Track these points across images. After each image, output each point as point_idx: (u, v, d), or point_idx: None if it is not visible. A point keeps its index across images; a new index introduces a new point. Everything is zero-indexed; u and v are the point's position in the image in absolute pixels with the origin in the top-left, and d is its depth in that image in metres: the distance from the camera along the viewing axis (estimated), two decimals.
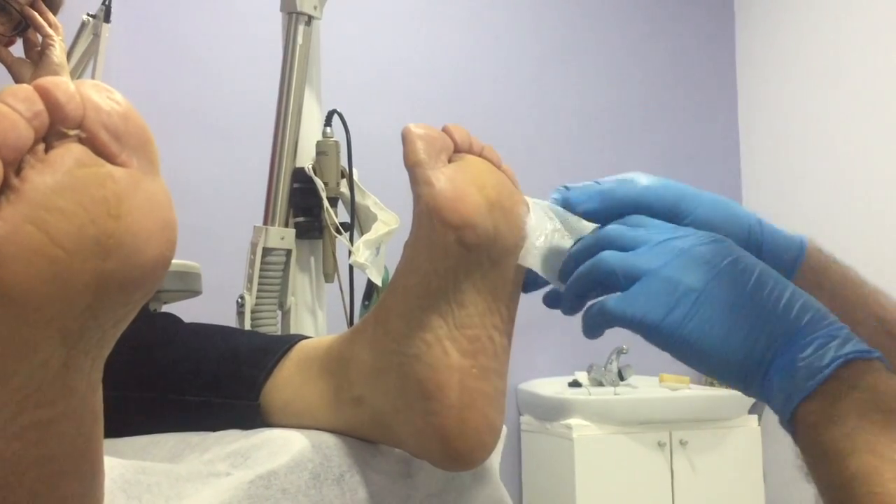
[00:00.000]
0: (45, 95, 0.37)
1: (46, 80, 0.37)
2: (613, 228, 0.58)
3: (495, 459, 0.81)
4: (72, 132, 0.38)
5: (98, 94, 0.40)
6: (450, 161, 0.62)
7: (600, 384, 2.85)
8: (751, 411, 2.70)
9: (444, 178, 0.59)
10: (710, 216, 0.63)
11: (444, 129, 0.63)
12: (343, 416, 0.66)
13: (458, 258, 0.60)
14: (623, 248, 0.56)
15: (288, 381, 0.69)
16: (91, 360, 0.41)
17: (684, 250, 0.53)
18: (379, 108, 2.64)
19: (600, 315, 0.55)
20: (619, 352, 2.79)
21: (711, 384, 3.06)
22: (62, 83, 0.38)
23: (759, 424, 2.71)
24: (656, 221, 0.58)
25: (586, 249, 0.59)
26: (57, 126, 0.38)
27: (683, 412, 2.59)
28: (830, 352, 0.47)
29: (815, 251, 0.66)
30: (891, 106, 2.69)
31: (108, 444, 0.74)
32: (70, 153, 0.38)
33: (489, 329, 0.62)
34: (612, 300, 0.54)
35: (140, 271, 0.40)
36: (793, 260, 0.64)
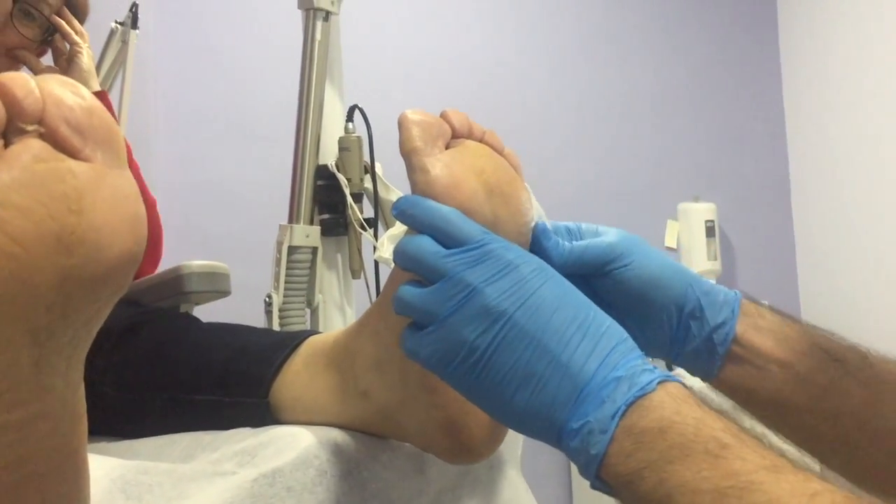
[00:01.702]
0: (2, 91, 0.37)
1: (4, 76, 0.37)
2: (425, 244, 0.53)
3: (514, 452, 0.79)
4: (30, 127, 0.37)
5: (61, 89, 0.39)
6: (448, 147, 0.61)
7: None
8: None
9: (440, 165, 0.57)
10: (650, 266, 0.63)
11: (442, 115, 0.62)
12: (351, 411, 0.65)
13: None
14: (430, 271, 0.52)
15: (296, 377, 0.69)
16: (66, 359, 0.41)
17: (477, 291, 0.49)
18: (401, 101, 2.60)
19: (402, 345, 0.53)
20: None
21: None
22: (20, 78, 0.37)
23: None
24: (468, 229, 0.53)
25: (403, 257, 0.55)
26: (15, 122, 0.37)
27: None
28: (613, 403, 0.45)
29: (747, 299, 0.65)
30: None
31: (125, 445, 0.74)
32: (28, 149, 0.37)
33: None
34: (407, 339, 0.52)
35: (106, 267, 0.39)
36: (730, 308, 0.63)
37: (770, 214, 3.25)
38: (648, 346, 0.64)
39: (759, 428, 0.54)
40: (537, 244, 0.62)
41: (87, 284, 0.39)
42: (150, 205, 1.33)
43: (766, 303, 0.67)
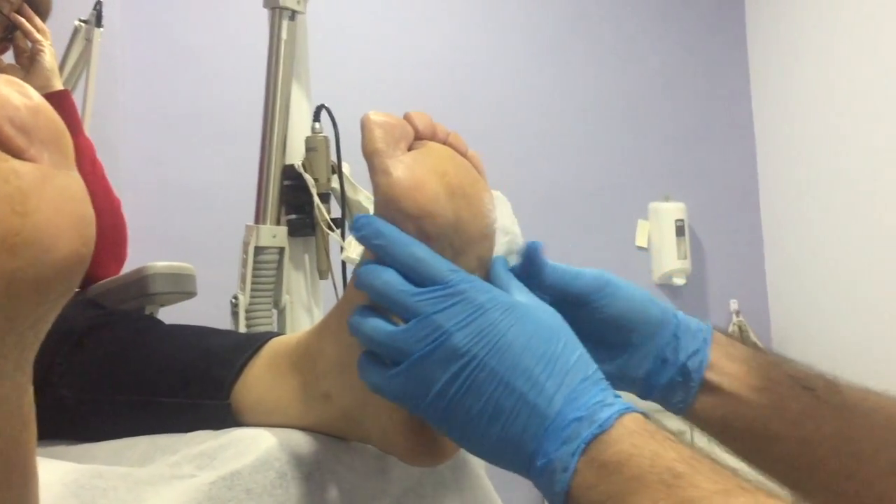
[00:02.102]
0: None
1: None
2: (395, 288, 0.53)
3: None
4: None
5: (6, 89, 0.38)
6: (411, 149, 0.60)
7: None
8: None
9: (401, 167, 0.57)
10: (629, 297, 0.64)
11: (405, 116, 0.61)
12: (313, 413, 0.65)
13: None
14: (400, 309, 0.53)
15: (258, 379, 0.68)
16: (12, 362, 0.40)
17: (450, 334, 0.50)
18: (369, 101, 2.61)
19: (363, 377, 0.55)
20: None
21: None
22: None
23: None
24: (438, 267, 0.53)
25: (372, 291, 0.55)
26: None
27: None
28: (574, 442, 0.48)
29: (719, 333, 0.66)
30: None
31: (84, 448, 0.73)
32: None
33: None
34: (371, 374, 0.54)
35: (52, 269, 0.38)
36: (703, 337, 0.64)
37: (739, 214, 3.28)
38: (623, 381, 0.65)
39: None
40: (533, 262, 0.62)
41: (32, 287, 0.38)
42: (114, 206, 1.31)
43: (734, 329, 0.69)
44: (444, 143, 0.63)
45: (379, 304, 0.54)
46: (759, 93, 3.30)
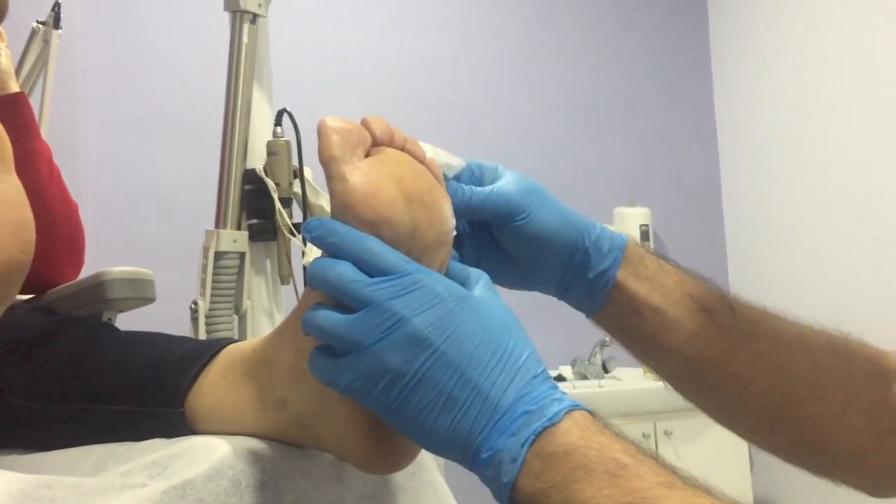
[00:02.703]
0: None
1: None
2: (346, 274, 0.53)
3: (436, 459, 0.79)
4: None
5: None
6: (368, 155, 0.60)
7: (585, 377, 2.83)
8: None
9: (358, 173, 0.56)
10: (546, 218, 0.68)
11: (363, 122, 0.61)
12: (269, 420, 0.64)
13: None
14: (354, 299, 0.52)
15: (213, 386, 0.67)
16: None
17: (406, 320, 0.50)
18: (331, 105, 2.60)
19: (314, 371, 0.54)
20: (603, 344, 2.78)
21: None
22: None
23: None
24: (393, 259, 0.53)
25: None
26: None
27: (668, 403, 2.54)
28: (523, 434, 0.48)
29: (633, 245, 0.71)
30: (863, 90, 2.68)
31: (36, 457, 0.72)
32: None
33: None
34: (320, 366, 0.54)
35: None
36: (613, 256, 0.70)
37: (702, 219, 3.31)
38: (541, 286, 0.71)
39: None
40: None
41: None
42: (71, 211, 1.29)
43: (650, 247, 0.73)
44: (402, 149, 0.62)
45: (333, 299, 0.53)
46: (721, 100, 3.34)
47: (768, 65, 3.08)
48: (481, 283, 0.57)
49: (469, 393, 0.50)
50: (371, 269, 0.52)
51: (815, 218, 2.87)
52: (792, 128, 2.97)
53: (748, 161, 3.20)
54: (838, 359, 0.69)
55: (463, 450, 0.50)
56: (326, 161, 0.57)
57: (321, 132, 0.58)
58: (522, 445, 0.48)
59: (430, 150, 0.65)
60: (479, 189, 0.67)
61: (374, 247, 0.53)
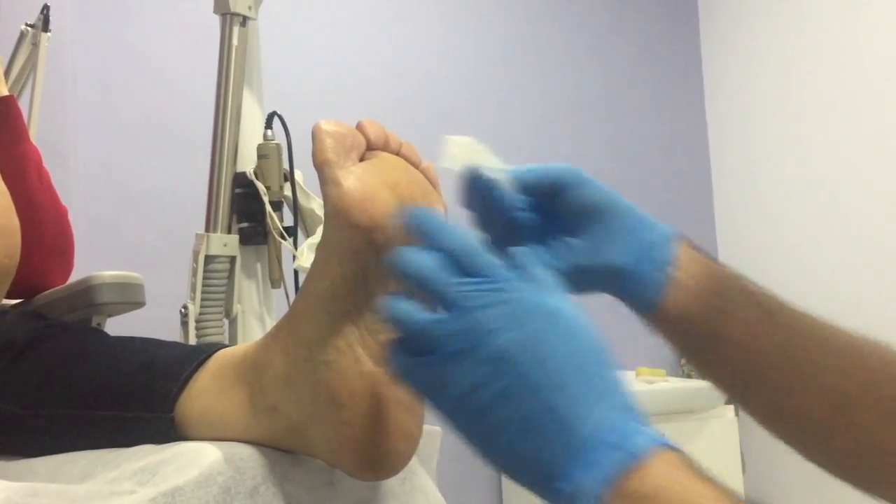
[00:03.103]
0: None
1: None
2: (435, 271, 0.50)
3: (430, 463, 0.78)
4: None
5: None
6: (362, 159, 0.60)
7: None
8: (727, 402, 2.69)
9: (352, 178, 0.56)
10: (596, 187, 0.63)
11: (358, 126, 0.61)
12: (259, 426, 0.63)
13: (367, 260, 0.58)
14: (439, 295, 0.49)
15: (203, 391, 0.67)
16: None
17: (493, 335, 0.47)
18: (322, 108, 2.59)
19: (392, 365, 0.51)
20: None
21: (689, 376, 3.06)
22: None
23: (736, 414, 2.71)
24: (487, 260, 0.50)
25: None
26: None
27: (660, 405, 2.57)
28: (607, 468, 0.45)
29: (684, 238, 0.67)
30: (855, 91, 2.69)
31: (23, 464, 0.71)
32: None
33: None
34: (398, 361, 0.50)
35: None
36: (664, 257, 0.64)
37: (693, 222, 3.31)
38: (596, 273, 0.63)
39: None
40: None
41: None
42: (61, 215, 1.28)
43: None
44: (397, 153, 0.62)
45: (414, 291, 0.50)
46: (712, 101, 3.34)
47: (759, 66, 3.08)
48: (565, 294, 0.53)
49: (550, 418, 0.46)
50: (463, 266, 0.49)
51: (807, 219, 2.87)
52: (783, 130, 2.97)
53: (740, 164, 3.20)
54: (887, 364, 0.64)
55: (537, 477, 0.46)
56: (320, 165, 0.57)
57: (315, 135, 0.57)
58: (604, 482, 0.44)
59: (465, 146, 0.60)
60: (515, 168, 0.63)
61: (470, 243, 0.50)
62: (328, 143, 0.57)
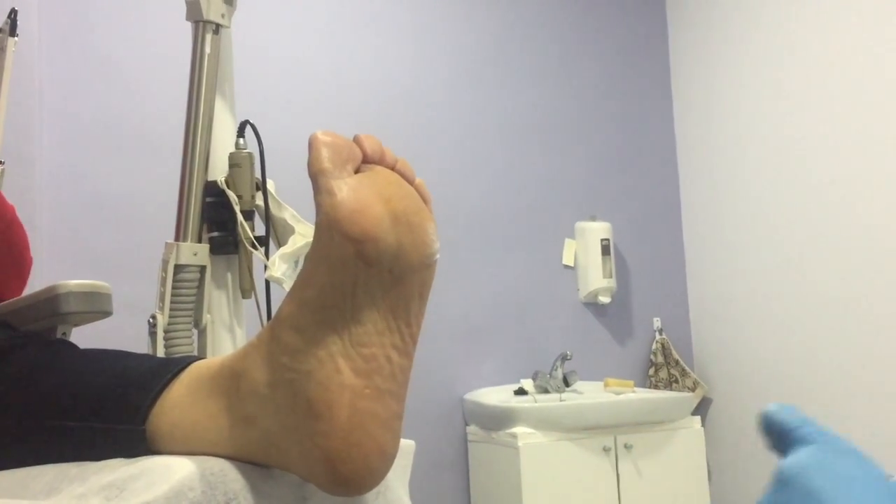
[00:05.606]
0: None
1: None
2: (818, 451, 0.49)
3: (403, 477, 0.78)
4: None
5: None
6: (358, 172, 0.59)
7: (546, 391, 2.84)
8: (694, 413, 2.72)
9: (346, 189, 0.56)
10: None
11: (355, 139, 0.61)
12: (233, 438, 0.62)
13: (356, 272, 0.57)
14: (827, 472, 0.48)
15: (176, 403, 0.65)
16: None
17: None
18: (294, 118, 2.60)
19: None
20: (564, 358, 2.79)
21: (655, 387, 3.08)
22: None
23: (703, 425, 2.73)
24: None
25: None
26: None
27: (628, 416, 2.59)
28: None
29: None
30: (818, 108, 2.73)
31: None
32: None
33: (387, 348, 0.60)
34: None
35: None
36: None
37: (662, 234, 3.34)
38: None
39: None
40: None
41: None
42: (7, 216, 1.19)
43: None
44: (392, 168, 0.62)
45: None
46: (681, 116, 3.38)
47: (727, 82, 3.12)
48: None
49: None
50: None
51: (773, 232, 2.91)
52: (749, 145, 3.01)
53: (707, 176, 3.24)
54: None
55: None
56: (315, 174, 0.56)
57: (312, 145, 0.57)
58: None
59: None
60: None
61: None
62: (324, 152, 0.57)
